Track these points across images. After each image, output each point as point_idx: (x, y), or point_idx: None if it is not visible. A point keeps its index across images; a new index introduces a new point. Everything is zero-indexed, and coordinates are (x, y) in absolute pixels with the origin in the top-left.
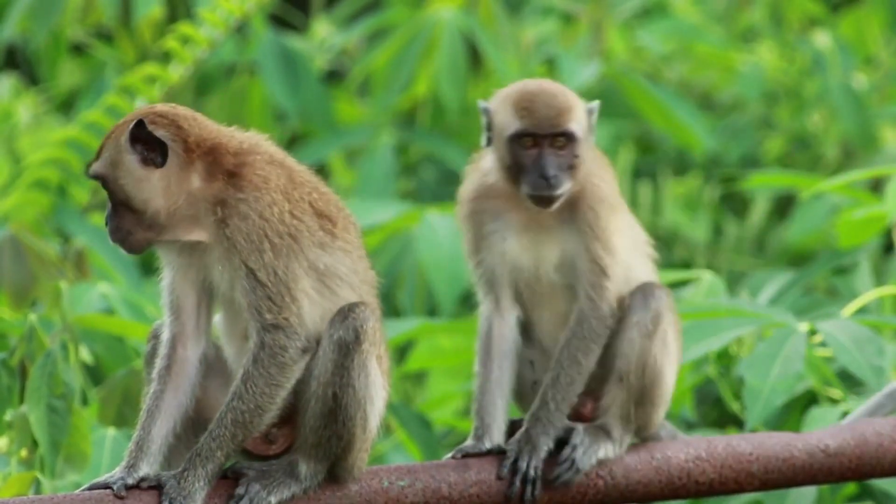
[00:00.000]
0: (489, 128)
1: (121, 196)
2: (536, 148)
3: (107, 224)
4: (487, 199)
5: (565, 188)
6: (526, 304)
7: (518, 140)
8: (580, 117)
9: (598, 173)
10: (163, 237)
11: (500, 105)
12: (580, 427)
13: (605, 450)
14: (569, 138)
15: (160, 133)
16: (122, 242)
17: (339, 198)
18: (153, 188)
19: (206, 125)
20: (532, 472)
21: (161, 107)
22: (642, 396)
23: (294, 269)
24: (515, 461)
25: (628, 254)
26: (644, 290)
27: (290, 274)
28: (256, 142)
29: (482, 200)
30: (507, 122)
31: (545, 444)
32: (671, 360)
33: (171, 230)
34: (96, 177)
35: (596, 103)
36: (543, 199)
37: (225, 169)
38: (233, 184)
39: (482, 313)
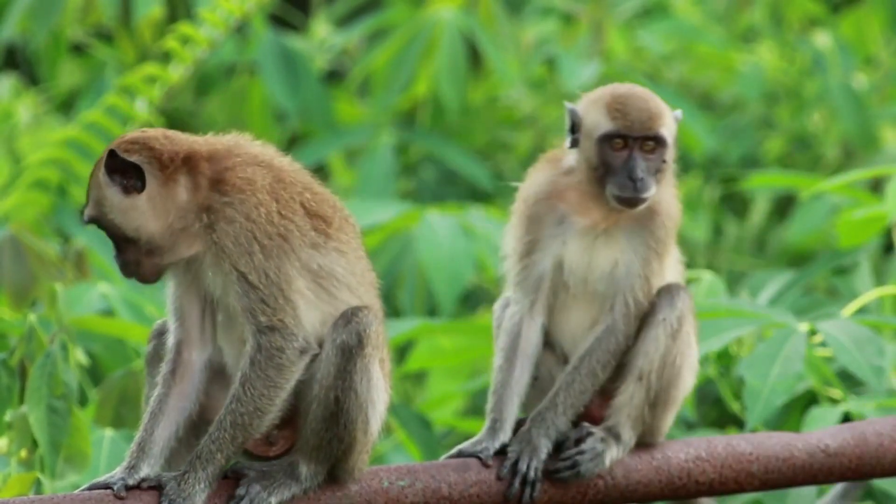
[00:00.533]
0: (574, 129)
1: (116, 231)
2: (626, 150)
3: (116, 263)
4: (557, 201)
5: (651, 192)
6: (551, 308)
7: (609, 141)
8: (670, 123)
9: (672, 190)
10: (168, 260)
11: (590, 106)
12: (595, 432)
13: (611, 455)
14: (659, 142)
15: (134, 158)
16: (136, 276)
17: (336, 198)
18: (142, 213)
19: (177, 139)
20: (532, 474)
21: (130, 134)
22: (658, 397)
23: (286, 269)
24: (516, 462)
25: (669, 271)
26: (671, 290)
27: (283, 275)
28: (236, 143)
29: (551, 201)
30: (599, 123)
31: (545, 447)
32: (690, 362)
33: (172, 250)
34: (90, 221)
35: (679, 112)
36: (630, 201)
37: (207, 176)
38: (217, 189)
39: (513, 313)
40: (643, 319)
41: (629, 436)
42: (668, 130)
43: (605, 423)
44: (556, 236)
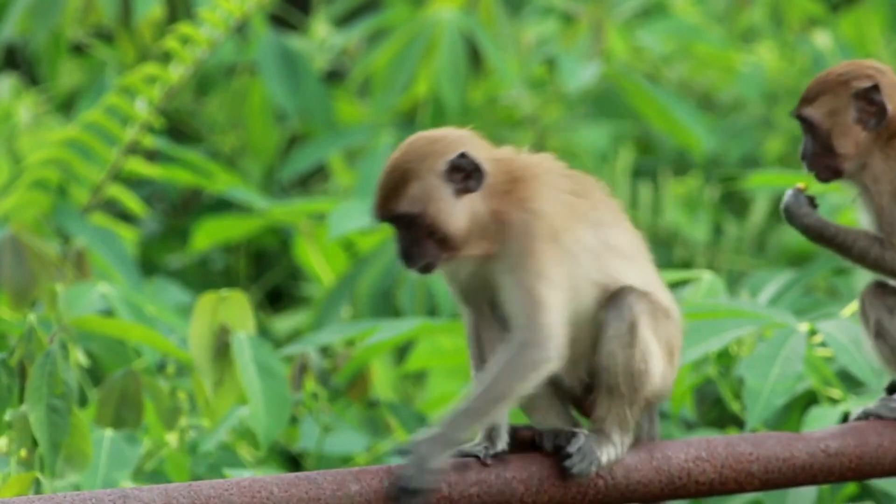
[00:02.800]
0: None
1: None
2: None
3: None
4: None
5: (423, 261)
6: None
7: None
8: (416, 192)
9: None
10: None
11: None
12: (581, 435)
13: (608, 455)
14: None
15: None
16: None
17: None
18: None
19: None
20: (426, 479)
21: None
22: (634, 400)
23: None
24: (406, 475)
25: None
26: (615, 299)
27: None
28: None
29: None
30: None
31: (444, 454)
32: (656, 360)
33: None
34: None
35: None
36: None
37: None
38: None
39: (467, 322)
40: (597, 334)
41: (619, 436)
42: (410, 203)
43: (594, 427)
44: None
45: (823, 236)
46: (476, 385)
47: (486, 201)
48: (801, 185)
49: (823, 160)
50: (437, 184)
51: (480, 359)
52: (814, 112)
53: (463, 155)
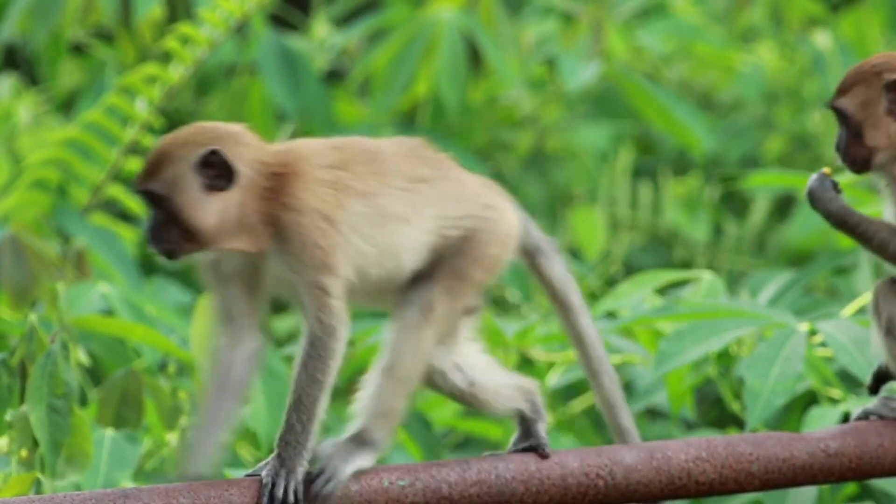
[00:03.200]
0: None
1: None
2: None
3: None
4: None
5: (162, 246)
6: None
7: None
8: (169, 173)
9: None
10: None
11: None
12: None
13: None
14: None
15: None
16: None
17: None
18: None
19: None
20: (291, 497)
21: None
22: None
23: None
24: (272, 488)
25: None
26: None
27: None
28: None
29: None
30: None
31: (300, 466)
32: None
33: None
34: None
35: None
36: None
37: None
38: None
39: None
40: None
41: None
42: (159, 185)
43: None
44: None
45: (846, 223)
46: (291, 398)
47: (249, 201)
48: (826, 169)
49: (856, 151)
50: (187, 174)
51: (231, 337)
52: (847, 103)
53: (214, 152)
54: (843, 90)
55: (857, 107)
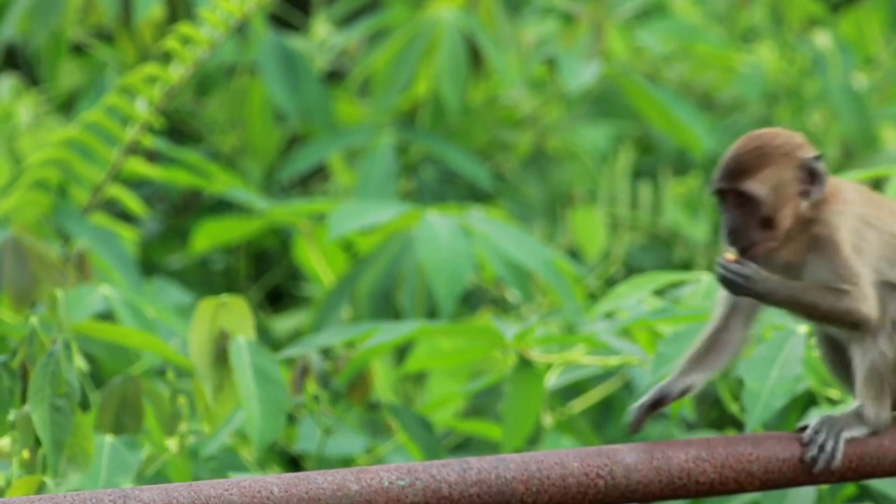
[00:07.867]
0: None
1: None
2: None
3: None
4: None
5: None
6: None
7: None
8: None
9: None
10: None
11: None
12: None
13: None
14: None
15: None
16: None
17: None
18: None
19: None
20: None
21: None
22: None
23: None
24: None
25: None
26: None
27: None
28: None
29: None
30: None
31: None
32: None
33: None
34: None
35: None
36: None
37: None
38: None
39: None
40: None
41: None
42: (759, 185)
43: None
44: None
45: (778, 294)
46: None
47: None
48: (728, 255)
49: (755, 234)
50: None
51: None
52: (758, 187)
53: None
54: (744, 172)
55: (769, 191)
